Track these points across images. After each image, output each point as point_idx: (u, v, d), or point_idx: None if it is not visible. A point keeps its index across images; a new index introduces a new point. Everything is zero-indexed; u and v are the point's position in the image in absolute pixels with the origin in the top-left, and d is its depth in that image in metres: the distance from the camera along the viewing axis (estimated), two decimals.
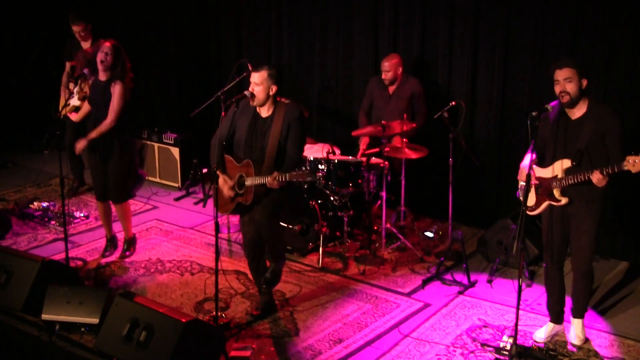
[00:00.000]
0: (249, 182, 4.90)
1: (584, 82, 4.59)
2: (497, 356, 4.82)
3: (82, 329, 5.04)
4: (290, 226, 6.31)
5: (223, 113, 5.84)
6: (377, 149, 6.43)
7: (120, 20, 9.09)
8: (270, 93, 4.93)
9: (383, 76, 6.66)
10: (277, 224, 5.22)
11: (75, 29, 7.27)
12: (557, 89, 4.62)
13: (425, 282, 5.87)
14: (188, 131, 8.13)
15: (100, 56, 5.82)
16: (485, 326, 5.22)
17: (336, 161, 6.26)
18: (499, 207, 6.71)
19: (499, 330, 5.14)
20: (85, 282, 5.80)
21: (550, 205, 4.82)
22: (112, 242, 6.36)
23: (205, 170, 7.80)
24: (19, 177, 8.42)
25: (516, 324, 4.72)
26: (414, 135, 6.56)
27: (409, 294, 5.72)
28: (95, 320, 4.96)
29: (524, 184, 4.70)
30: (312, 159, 6.41)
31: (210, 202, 7.49)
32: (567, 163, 4.66)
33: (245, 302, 5.56)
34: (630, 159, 4.31)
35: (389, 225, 6.45)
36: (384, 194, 6.32)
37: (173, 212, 7.41)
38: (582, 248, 4.79)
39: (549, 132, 4.76)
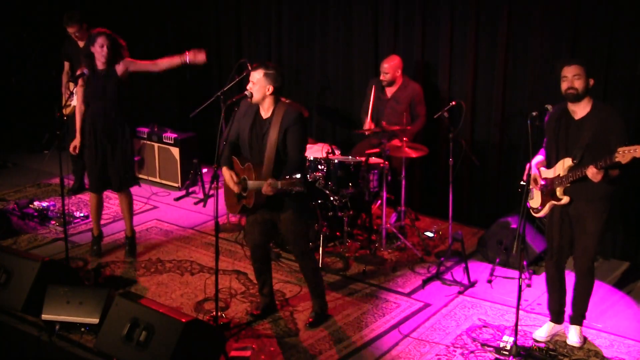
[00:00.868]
0: (249, 186, 4.89)
1: (591, 82, 4.61)
2: (497, 356, 4.82)
3: (82, 329, 5.03)
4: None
5: (223, 113, 5.84)
6: (377, 150, 6.43)
7: (120, 20, 9.08)
8: (267, 93, 4.86)
9: (382, 77, 6.66)
10: (302, 224, 5.16)
11: (70, 30, 7.27)
12: (565, 85, 4.61)
13: (425, 282, 5.87)
14: (188, 131, 8.14)
15: (98, 50, 5.83)
16: (485, 326, 5.22)
17: (336, 161, 6.26)
18: (499, 207, 6.72)
19: (499, 330, 5.14)
20: (85, 282, 5.80)
21: (552, 206, 4.82)
22: (99, 239, 6.36)
23: (205, 170, 7.81)
24: (19, 177, 8.43)
25: (516, 324, 4.72)
26: (412, 138, 6.56)
27: (409, 294, 5.72)
28: (95, 320, 4.96)
29: (533, 182, 4.73)
30: (312, 158, 6.42)
31: (211, 202, 7.49)
32: (568, 162, 4.66)
33: (245, 302, 5.56)
34: (621, 149, 4.33)
35: (389, 225, 6.46)
36: (384, 194, 6.33)
37: (173, 212, 7.41)
38: (585, 249, 4.79)
39: (553, 133, 4.76)
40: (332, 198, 6.34)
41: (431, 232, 6.72)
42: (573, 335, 4.97)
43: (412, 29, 7.04)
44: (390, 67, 6.60)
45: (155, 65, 6.08)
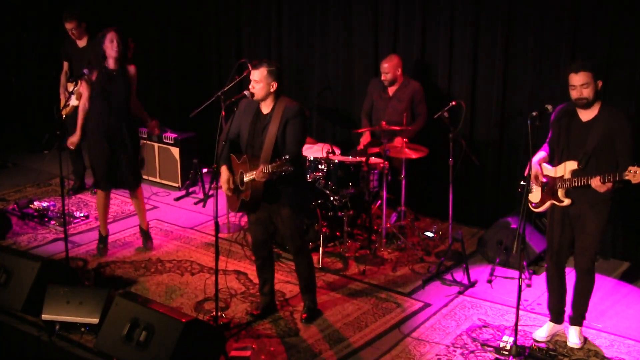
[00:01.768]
0: (246, 177, 4.91)
1: (599, 84, 4.56)
2: (497, 356, 4.82)
3: (82, 329, 5.03)
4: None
5: (223, 113, 5.84)
6: (377, 149, 6.43)
7: (120, 20, 9.08)
8: (271, 90, 4.90)
9: (382, 77, 6.66)
10: (299, 221, 5.17)
11: (68, 26, 7.26)
12: (574, 94, 4.56)
13: (425, 282, 5.87)
14: (188, 131, 8.13)
15: (109, 47, 5.83)
16: (485, 326, 5.22)
17: (336, 161, 6.26)
18: (499, 207, 6.72)
19: (499, 330, 5.14)
20: (85, 282, 5.80)
21: (552, 205, 4.82)
22: (105, 239, 6.37)
23: (205, 170, 7.80)
24: (19, 177, 8.42)
25: (516, 324, 4.72)
26: (414, 136, 6.56)
27: (409, 294, 5.72)
28: (95, 320, 4.96)
29: (534, 179, 4.72)
30: (312, 158, 6.42)
31: (211, 202, 7.49)
32: (573, 165, 4.65)
33: (245, 302, 5.56)
34: (632, 169, 4.31)
35: (389, 225, 6.45)
36: (384, 194, 6.32)
37: (173, 212, 7.41)
38: (585, 248, 4.79)
39: (559, 133, 4.76)
40: (332, 198, 6.34)
41: (431, 232, 6.72)
42: (573, 336, 4.97)
43: (412, 29, 7.04)
44: (390, 66, 6.60)
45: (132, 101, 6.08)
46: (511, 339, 4.81)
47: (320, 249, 6.16)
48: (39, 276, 5.20)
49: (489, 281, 5.85)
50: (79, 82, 6.97)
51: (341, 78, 7.64)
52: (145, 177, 8.15)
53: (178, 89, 8.94)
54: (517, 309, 4.68)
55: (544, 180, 4.81)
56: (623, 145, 4.55)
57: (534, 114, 4.53)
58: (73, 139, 6.19)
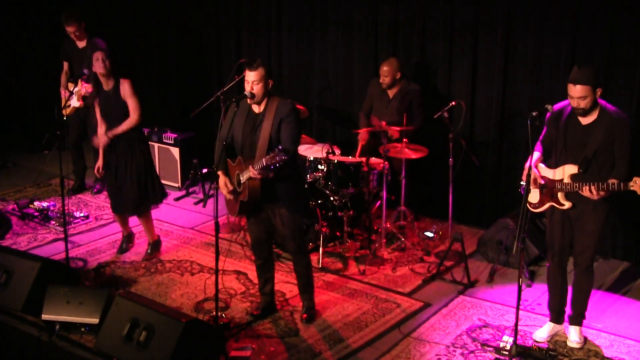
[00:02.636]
0: (242, 178, 4.91)
1: (599, 92, 4.55)
2: (497, 356, 4.82)
3: (82, 329, 5.03)
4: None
5: (223, 113, 5.84)
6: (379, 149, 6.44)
7: (120, 20, 9.09)
8: (268, 88, 4.93)
9: (381, 80, 6.68)
10: (298, 220, 5.17)
11: (69, 29, 7.26)
12: (572, 103, 4.57)
13: (425, 282, 5.87)
14: (188, 131, 8.14)
15: (98, 68, 5.77)
16: (485, 326, 5.22)
17: (336, 161, 6.26)
18: (499, 207, 6.72)
19: (499, 330, 5.14)
20: (85, 282, 5.80)
21: (552, 207, 4.82)
22: (129, 237, 6.38)
23: (205, 170, 7.80)
24: (19, 177, 8.43)
25: (516, 324, 4.72)
26: (410, 136, 6.56)
27: (409, 294, 5.72)
28: (95, 320, 4.96)
29: (532, 183, 4.72)
30: (312, 158, 6.41)
31: (211, 202, 7.49)
32: (573, 169, 4.65)
33: (245, 302, 5.56)
34: (638, 179, 4.32)
35: (389, 225, 6.46)
36: (384, 194, 6.33)
37: (173, 212, 7.41)
38: (584, 248, 4.80)
39: (556, 132, 4.75)
40: (332, 198, 6.34)
41: (431, 232, 6.72)
42: (573, 336, 4.97)
43: (412, 29, 7.04)
44: (389, 70, 6.61)
45: (134, 111, 5.89)
46: (511, 339, 4.81)
47: (320, 249, 6.17)
48: (39, 276, 5.20)
49: (489, 281, 5.86)
50: (79, 82, 6.98)
51: (341, 78, 7.64)
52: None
53: (178, 89, 8.94)
54: (517, 309, 4.68)
55: (542, 182, 4.81)
56: (621, 147, 4.56)
57: (534, 114, 4.52)
58: (98, 164, 6.02)
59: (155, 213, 7.33)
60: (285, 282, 5.83)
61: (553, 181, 4.75)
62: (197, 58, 8.72)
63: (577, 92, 4.51)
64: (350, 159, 6.40)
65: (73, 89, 7.14)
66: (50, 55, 9.10)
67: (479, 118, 6.83)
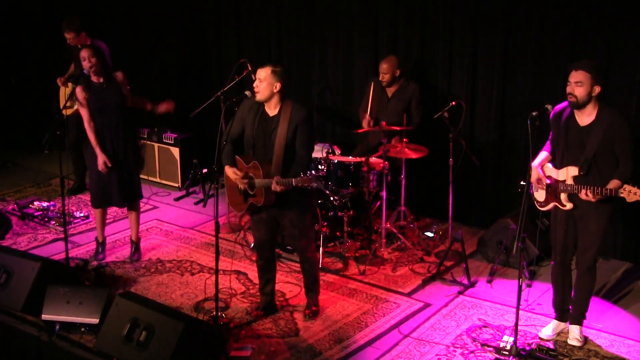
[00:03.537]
0: (257, 183, 4.91)
1: (597, 89, 4.55)
2: (497, 356, 4.82)
3: (82, 329, 5.03)
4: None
5: (223, 114, 5.84)
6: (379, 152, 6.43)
7: (120, 20, 9.08)
8: (274, 90, 4.90)
9: (380, 77, 6.68)
10: (308, 220, 5.19)
11: (67, 36, 7.27)
12: (567, 89, 4.59)
13: (425, 282, 5.87)
14: (188, 131, 8.13)
15: (86, 65, 5.78)
16: (485, 326, 5.22)
17: (336, 161, 6.26)
18: (499, 207, 6.72)
19: (499, 330, 5.14)
20: (85, 282, 5.79)
21: (556, 206, 4.83)
22: (103, 245, 6.36)
23: (205, 170, 7.80)
24: (19, 177, 8.43)
25: (516, 324, 4.72)
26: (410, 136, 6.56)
27: (409, 294, 5.72)
28: (95, 320, 4.96)
29: (536, 183, 4.72)
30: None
31: (211, 202, 7.50)
32: (575, 171, 4.66)
33: (245, 302, 5.56)
34: (627, 187, 4.38)
35: (389, 225, 6.45)
36: (384, 194, 6.32)
37: (173, 212, 7.41)
38: (587, 248, 4.80)
39: (557, 133, 4.76)
40: (332, 198, 6.34)
41: (431, 232, 6.72)
42: (573, 335, 4.97)
43: (412, 29, 7.04)
44: (389, 67, 6.61)
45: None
46: (511, 339, 4.81)
47: (320, 249, 6.16)
48: (39, 276, 5.19)
49: (489, 281, 5.86)
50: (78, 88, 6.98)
51: (341, 78, 7.64)
52: (145, 177, 8.16)
53: (178, 89, 8.93)
54: (517, 309, 4.68)
55: (548, 182, 4.82)
56: (622, 146, 4.56)
57: (534, 114, 4.53)
58: (103, 159, 5.91)
59: (155, 213, 7.35)
60: (285, 282, 5.83)
61: (557, 182, 4.76)
62: (197, 58, 8.72)
63: (574, 77, 4.55)
64: (350, 158, 6.40)
65: (73, 89, 7.13)
66: (51, 55, 9.09)
67: (479, 118, 6.83)
